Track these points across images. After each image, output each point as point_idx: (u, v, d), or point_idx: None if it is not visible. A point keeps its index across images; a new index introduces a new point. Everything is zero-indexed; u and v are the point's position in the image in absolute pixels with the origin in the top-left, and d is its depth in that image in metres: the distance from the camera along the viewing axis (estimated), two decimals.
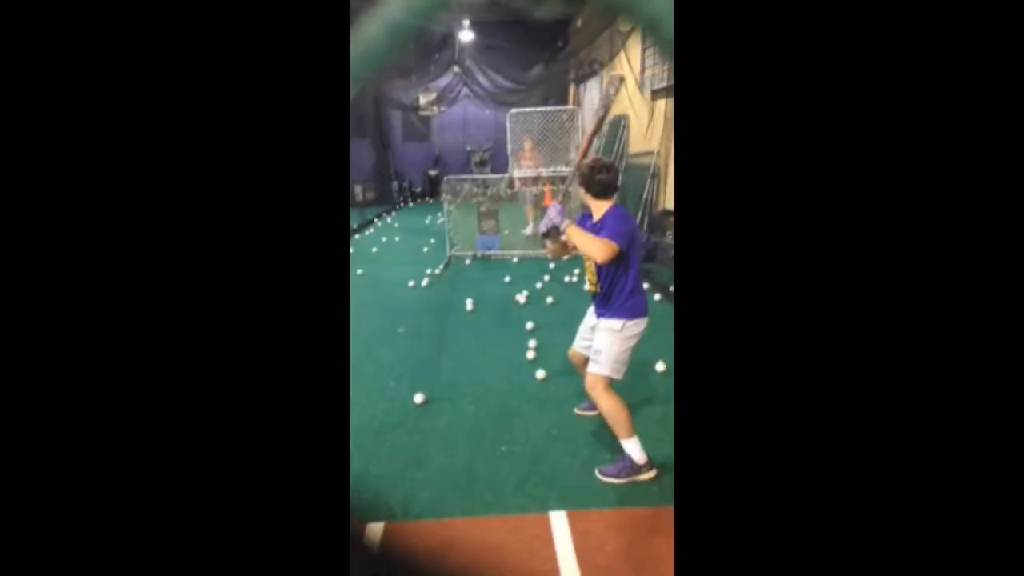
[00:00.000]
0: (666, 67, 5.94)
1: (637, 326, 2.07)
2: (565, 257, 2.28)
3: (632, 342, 2.08)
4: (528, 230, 6.73)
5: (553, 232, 2.03)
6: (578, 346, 2.36)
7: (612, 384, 2.09)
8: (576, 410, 2.65)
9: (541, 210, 6.49)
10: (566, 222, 2.00)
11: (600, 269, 2.06)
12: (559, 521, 1.88)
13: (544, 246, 2.23)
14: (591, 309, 2.27)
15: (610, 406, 2.05)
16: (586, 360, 2.32)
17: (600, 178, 2.02)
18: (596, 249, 1.90)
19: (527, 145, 6.14)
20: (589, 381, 2.11)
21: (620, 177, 6.96)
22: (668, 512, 1.92)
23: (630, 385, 2.37)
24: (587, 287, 2.24)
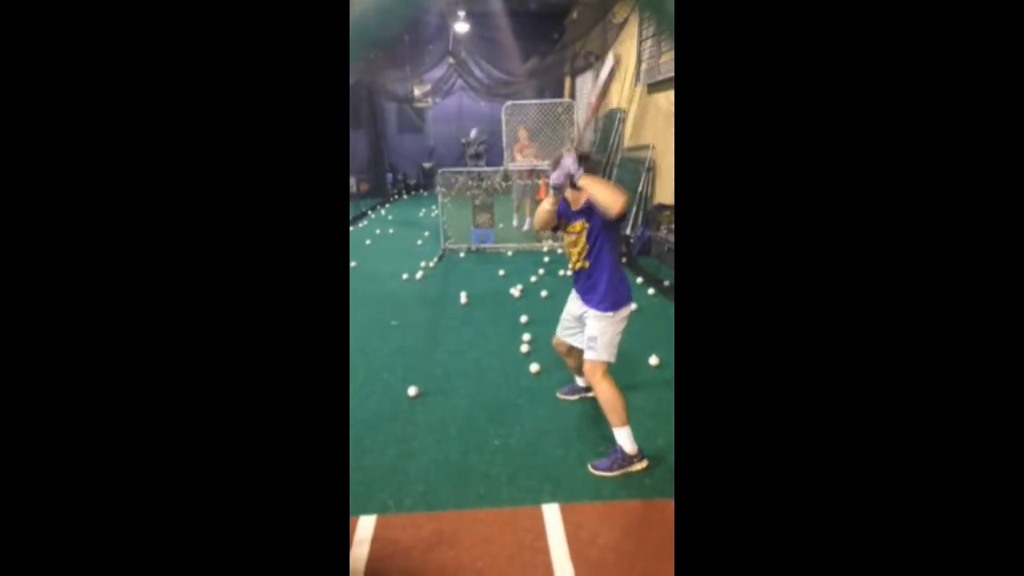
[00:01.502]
0: (662, 60, 5.91)
1: (626, 310, 2.15)
2: (557, 239, 2.24)
3: (623, 324, 2.15)
4: (525, 225, 6.70)
5: (567, 182, 1.92)
6: (561, 335, 2.38)
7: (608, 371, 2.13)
8: (558, 394, 2.69)
9: (535, 202, 6.43)
10: (580, 171, 1.91)
11: (590, 238, 2.06)
12: (552, 514, 1.88)
13: (545, 211, 2.09)
14: (572, 297, 2.27)
15: (609, 392, 2.08)
16: (570, 348, 2.36)
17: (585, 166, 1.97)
18: (612, 196, 1.86)
19: (523, 135, 6.05)
20: (587, 368, 2.14)
21: (614, 171, 6.95)
22: (661, 505, 1.93)
23: (623, 379, 2.37)
24: (571, 270, 2.23)
